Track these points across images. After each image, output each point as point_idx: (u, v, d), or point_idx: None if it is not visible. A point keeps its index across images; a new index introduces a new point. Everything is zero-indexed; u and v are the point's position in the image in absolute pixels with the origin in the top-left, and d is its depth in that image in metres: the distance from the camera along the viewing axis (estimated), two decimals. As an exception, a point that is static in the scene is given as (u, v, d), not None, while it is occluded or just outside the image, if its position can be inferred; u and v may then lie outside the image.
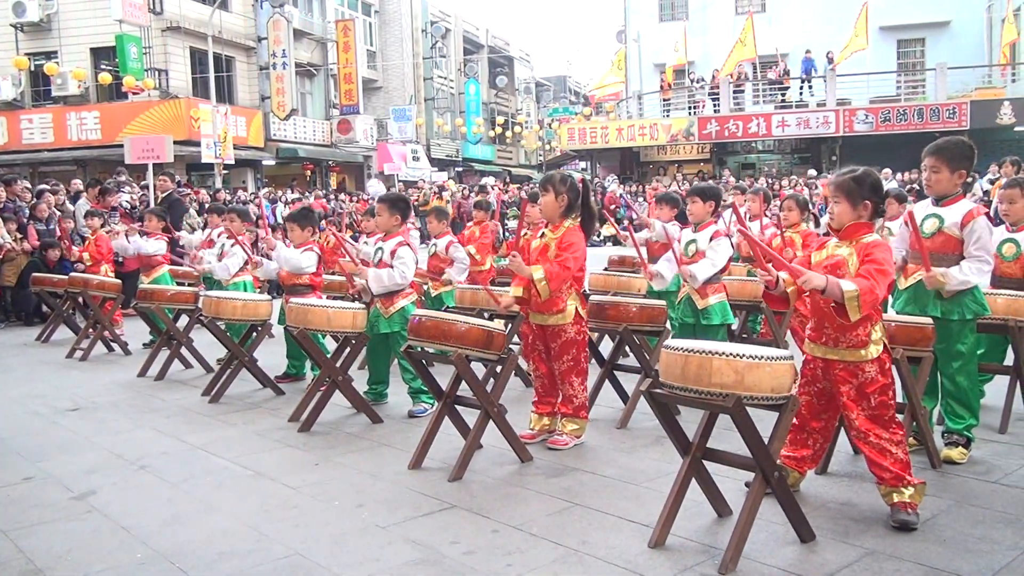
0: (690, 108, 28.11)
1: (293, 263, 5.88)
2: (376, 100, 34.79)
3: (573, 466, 4.23)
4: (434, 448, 4.33)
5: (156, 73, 23.30)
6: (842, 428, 4.00)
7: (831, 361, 3.36)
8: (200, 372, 7.08)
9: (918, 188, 17.09)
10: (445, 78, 38.73)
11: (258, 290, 7.90)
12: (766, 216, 7.64)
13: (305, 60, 28.82)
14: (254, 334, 6.24)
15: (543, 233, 4.60)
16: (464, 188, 27.24)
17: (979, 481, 3.86)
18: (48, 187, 12.87)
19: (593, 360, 5.46)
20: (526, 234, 4.95)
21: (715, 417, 3.30)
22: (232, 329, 6.45)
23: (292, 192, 22.41)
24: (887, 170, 20.78)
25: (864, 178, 3.34)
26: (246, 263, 7.31)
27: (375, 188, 24.37)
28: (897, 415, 3.98)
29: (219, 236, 7.84)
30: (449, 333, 4.08)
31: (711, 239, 5.26)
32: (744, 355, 2.94)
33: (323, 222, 11.93)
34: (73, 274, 8.82)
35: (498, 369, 4.47)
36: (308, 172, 30.22)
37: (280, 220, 15.67)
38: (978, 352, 4.36)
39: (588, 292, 6.96)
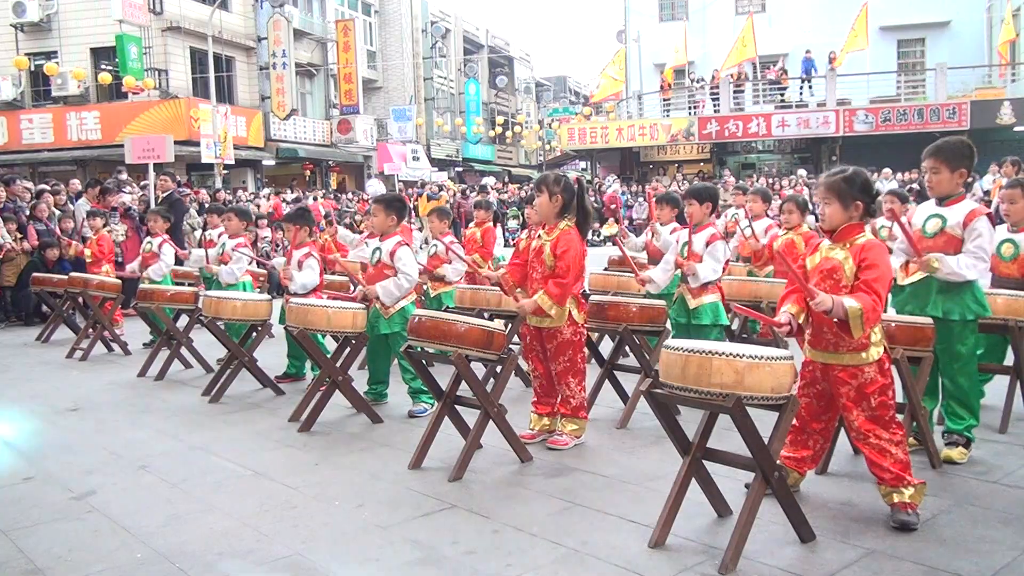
0: (690, 108, 28.11)
1: (307, 285, 5.89)
2: (376, 100, 34.79)
3: (573, 466, 4.23)
4: (434, 448, 4.33)
5: (156, 73, 23.30)
6: (842, 428, 4.00)
7: (830, 364, 3.35)
8: (200, 372, 7.08)
9: (918, 188, 17.10)
10: (445, 78, 38.73)
11: (257, 290, 7.91)
12: (767, 216, 7.65)
13: (305, 60, 28.82)
14: (254, 334, 6.24)
15: (540, 234, 4.60)
16: (464, 188, 27.23)
17: (979, 481, 3.86)
18: (48, 187, 12.86)
19: (593, 360, 5.47)
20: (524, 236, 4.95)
21: (715, 417, 3.30)
22: (231, 329, 6.45)
23: (292, 192, 22.43)
24: (887, 170, 20.80)
25: (854, 178, 3.33)
26: (250, 262, 7.33)
27: (375, 188, 24.35)
28: (897, 415, 4.00)
29: (219, 237, 7.85)
30: (449, 333, 4.08)
31: (707, 243, 5.25)
32: (744, 355, 2.94)
33: (322, 221, 11.91)
34: (73, 274, 8.82)
35: (498, 369, 4.48)
36: (308, 172, 30.22)
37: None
38: (978, 352, 4.35)
39: (588, 292, 6.97)
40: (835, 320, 3.20)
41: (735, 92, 26.98)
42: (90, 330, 8.28)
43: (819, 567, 2.99)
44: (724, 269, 5.46)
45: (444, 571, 3.06)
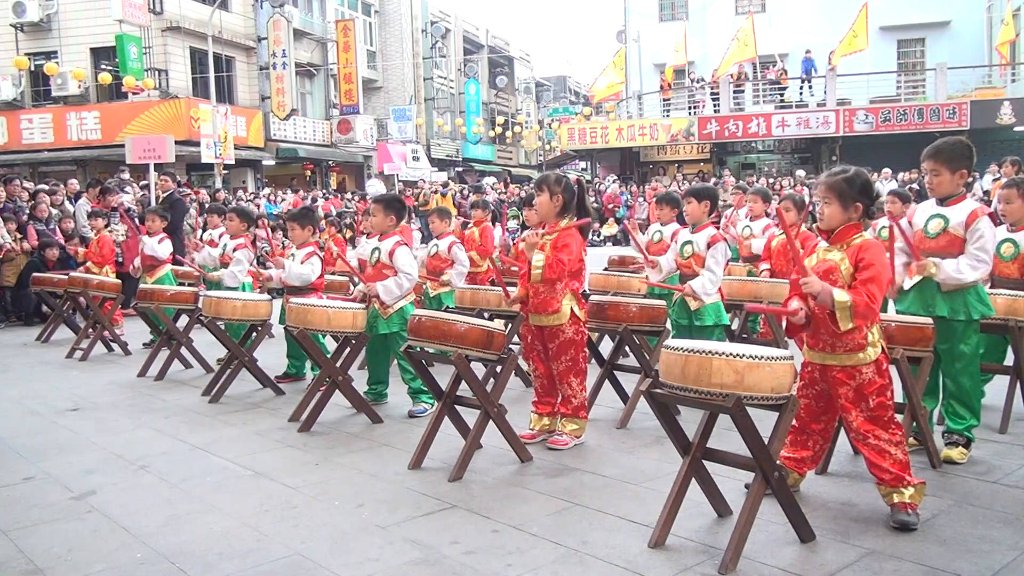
0: (690, 108, 28.11)
1: (303, 277, 5.90)
2: (376, 100, 34.78)
3: (573, 466, 4.23)
4: (434, 448, 4.33)
5: (156, 73, 23.30)
6: (842, 428, 4.00)
7: (828, 365, 3.35)
8: (200, 372, 7.08)
9: (918, 188, 17.10)
10: (445, 78, 38.72)
11: (257, 290, 7.91)
12: (767, 216, 7.65)
13: (305, 60, 28.82)
14: (254, 334, 6.25)
15: (540, 233, 4.60)
16: (464, 188, 27.22)
17: (979, 481, 3.86)
18: (47, 188, 12.87)
19: (593, 360, 5.47)
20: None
21: (715, 417, 3.30)
22: (230, 329, 6.45)
23: (292, 192, 22.43)
24: (887, 170, 20.80)
25: (855, 179, 3.32)
26: (250, 262, 7.34)
27: (375, 188, 24.35)
28: (897, 415, 4.00)
29: (220, 237, 7.85)
30: (449, 333, 4.08)
31: (709, 245, 5.25)
32: (744, 355, 2.94)
33: (322, 222, 11.92)
34: (73, 274, 8.83)
35: (498, 369, 4.47)
36: (308, 172, 30.22)
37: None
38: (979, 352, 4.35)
39: (588, 292, 6.98)
40: (827, 312, 3.18)
41: (735, 92, 26.98)
42: (90, 330, 8.29)
43: (819, 567, 2.99)
44: (724, 268, 5.45)
45: (444, 571, 3.06)
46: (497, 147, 42.87)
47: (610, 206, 23.81)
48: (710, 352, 2.98)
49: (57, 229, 11.26)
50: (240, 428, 5.24)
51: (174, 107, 22.56)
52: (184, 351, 7.19)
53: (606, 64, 31.17)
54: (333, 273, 7.79)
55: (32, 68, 23.16)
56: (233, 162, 23.15)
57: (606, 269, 7.93)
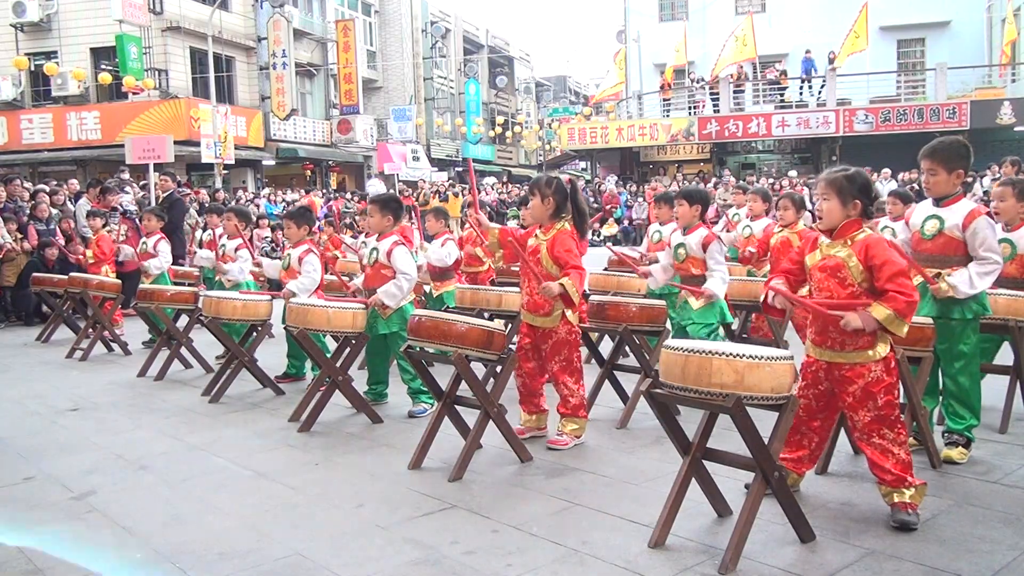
0: (690, 108, 28.10)
1: (311, 288, 5.84)
2: (376, 100, 34.78)
3: (573, 466, 4.23)
4: (434, 448, 4.33)
5: (156, 73, 23.30)
6: (842, 428, 4.00)
7: (837, 363, 3.34)
8: (200, 372, 7.08)
9: (918, 188, 17.08)
10: (445, 78, 38.72)
11: (260, 287, 7.90)
12: (766, 216, 7.64)
13: (305, 60, 28.82)
14: (254, 334, 6.25)
15: (536, 234, 4.60)
16: (464, 188, 27.22)
17: (979, 481, 3.86)
18: (47, 188, 12.86)
19: (593, 360, 5.47)
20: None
21: (715, 417, 3.30)
22: (230, 329, 6.44)
23: (292, 192, 22.44)
24: (887, 170, 20.80)
25: (856, 177, 3.34)
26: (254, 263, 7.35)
27: (375, 188, 24.35)
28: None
29: (220, 237, 7.85)
30: (449, 333, 4.08)
31: (704, 246, 5.22)
32: (744, 355, 2.94)
33: (321, 223, 11.92)
34: (73, 274, 8.83)
35: (498, 369, 4.47)
36: (308, 172, 30.22)
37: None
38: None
39: (588, 292, 6.98)
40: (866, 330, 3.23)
41: (735, 92, 26.98)
42: (90, 330, 8.29)
43: (819, 567, 2.99)
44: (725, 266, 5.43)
45: (444, 571, 3.06)
46: (497, 147, 42.87)
47: (607, 207, 23.81)
48: (710, 352, 2.98)
49: (57, 229, 11.26)
50: (240, 428, 5.24)
51: (174, 107, 22.56)
52: (184, 351, 7.20)
53: (610, 67, 31.16)
54: (331, 273, 7.78)
55: (32, 68, 23.16)
56: (233, 162, 23.15)
57: (606, 269, 7.93)
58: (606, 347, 5.57)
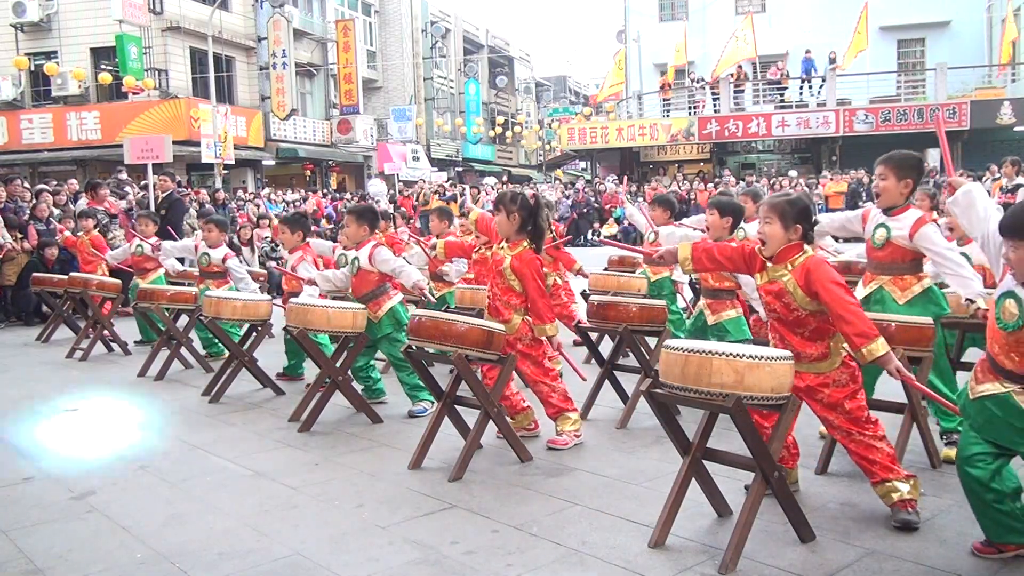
0: (690, 108, 28.11)
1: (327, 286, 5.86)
2: (376, 100, 34.78)
3: (573, 466, 4.23)
4: (434, 448, 4.33)
5: (156, 73, 23.30)
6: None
7: (799, 374, 3.32)
8: (200, 372, 7.08)
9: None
10: (445, 78, 38.72)
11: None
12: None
13: (305, 60, 28.82)
14: (254, 334, 6.25)
15: (503, 246, 4.59)
16: (465, 188, 27.22)
17: (979, 481, 3.85)
18: (48, 188, 12.87)
19: (593, 360, 5.47)
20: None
21: (715, 417, 3.31)
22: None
23: (292, 192, 22.45)
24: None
25: (797, 202, 3.37)
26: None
27: (376, 188, 24.36)
28: (897, 415, 4.01)
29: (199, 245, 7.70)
30: (449, 333, 4.08)
31: None
32: (744, 355, 2.94)
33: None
34: (73, 274, 8.82)
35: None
36: (308, 172, 30.21)
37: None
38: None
39: (588, 292, 6.99)
40: (789, 321, 3.31)
41: (735, 92, 26.98)
42: (90, 330, 8.28)
43: (819, 567, 2.99)
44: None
45: (444, 571, 3.06)
46: (497, 147, 42.87)
47: (607, 207, 23.80)
48: (710, 352, 2.99)
49: (57, 228, 11.25)
50: (240, 428, 5.24)
51: (174, 107, 22.56)
52: (184, 351, 7.20)
53: (610, 68, 31.14)
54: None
55: (32, 68, 23.16)
56: (233, 162, 23.15)
57: (606, 269, 7.93)
58: (606, 347, 5.57)
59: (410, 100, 34.77)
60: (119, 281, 8.81)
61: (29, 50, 23.60)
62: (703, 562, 3.05)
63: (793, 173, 24.09)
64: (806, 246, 3.36)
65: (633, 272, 7.20)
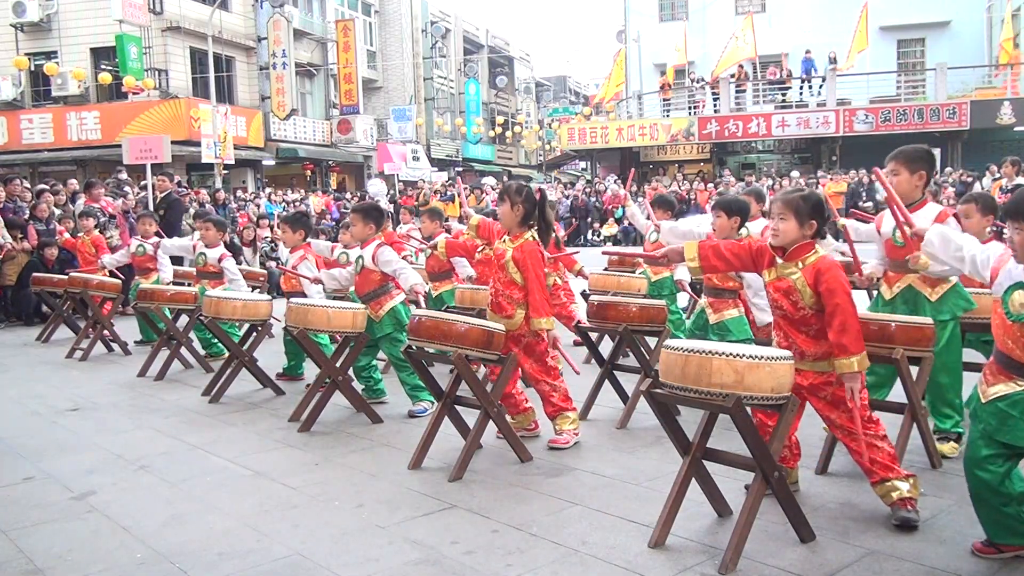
0: (690, 108, 28.10)
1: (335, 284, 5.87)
2: (376, 100, 34.78)
3: (573, 466, 4.23)
4: (434, 448, 4.33)
5: (156, 73, 23.29)
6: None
7: (802, 372, 3.34)
8: (200, 372, 7.08)
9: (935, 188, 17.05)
10: (445, 78, 38.71)
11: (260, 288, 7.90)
12: (763, 216, 7.62)
13: (305, 60, 28.81)
14: (254, 334, 6.25)
15: (504, 239, 4.59)
16: (465, 188, 27.21)
17: (979, 481, 3.85)
18: (48, 188, 12.87)
19: (593, 360, 5.47)
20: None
21: (715, 417, 3.31)
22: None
23: (292, 192, 22.44)
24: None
25: (811, 197, 3.37)
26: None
27: (376, 188, 24.35)
28: (897, 415, 4.01)
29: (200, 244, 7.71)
30: (449, 333, 4.08)
31: None
32: (744, 355, 2.94)
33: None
34: (73, 274, 8.82)
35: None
36: (308, 172, 30.20)
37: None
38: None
39: (588, 292, 6.99)
40: (796, 320, 3.32)
41: (735, 92, 26.97)
42: (90, 330, 8.29)
43: (819, 567, 2.99)
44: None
45: (444, 571, 3.06)
46: (497, 147, 42.87)
47: (608, 207, 23.80)
48: (710, 352, 2.99)
49: (57, 228, 11.26)
50: (240, 428, 5.24)
51: (174, 107, 22.55)
52: (184, 351, 7.20)
53: (611, 69, 31.13)
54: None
55: (32, 68, 23.15)
56: (233, 162, 23.14)
57: (606, 269, 7.93)
58: (606, 347, 5.57)
59: (410, 100, 34.77)
60: (119, 281, 8.81)
61: (29, 50, 23.59)
62: (703, 562, 3.05)
63: (795, 173, 24.09)
64: (817, 245, 3.35)
65: (633, 272, 7.20)
